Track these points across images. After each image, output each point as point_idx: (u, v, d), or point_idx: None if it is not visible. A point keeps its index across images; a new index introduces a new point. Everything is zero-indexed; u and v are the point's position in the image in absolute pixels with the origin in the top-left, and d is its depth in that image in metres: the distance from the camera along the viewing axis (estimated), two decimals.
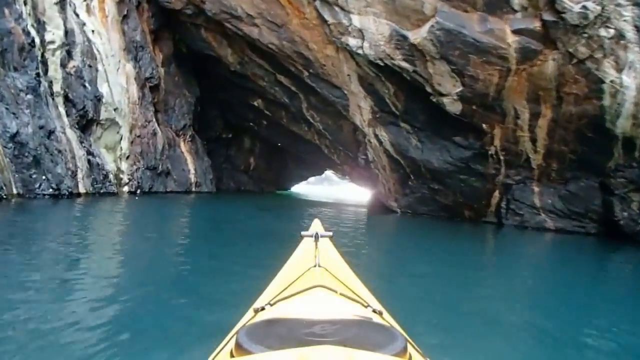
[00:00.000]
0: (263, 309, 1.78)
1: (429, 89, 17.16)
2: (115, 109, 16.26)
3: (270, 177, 36.37)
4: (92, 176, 14.61)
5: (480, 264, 9.03)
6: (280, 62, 20.41)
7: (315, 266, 2.21)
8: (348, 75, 19.37)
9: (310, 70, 19.83)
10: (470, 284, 6.45)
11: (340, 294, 1.81)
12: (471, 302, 5.25)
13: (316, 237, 2.59)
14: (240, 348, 1.24)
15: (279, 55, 19.89)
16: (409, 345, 1.34)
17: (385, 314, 1.82)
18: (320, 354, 1.05)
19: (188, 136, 23.18)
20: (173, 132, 22.13)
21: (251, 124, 28.77)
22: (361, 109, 20.41)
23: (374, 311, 1.74)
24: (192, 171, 22.69)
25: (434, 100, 17.33)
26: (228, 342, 1.55)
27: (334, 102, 20.89)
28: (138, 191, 17.69)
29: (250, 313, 1.85)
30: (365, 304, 1.78)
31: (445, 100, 17.16)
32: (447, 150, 19.45)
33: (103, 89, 15.68)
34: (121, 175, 16.79)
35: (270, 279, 2.42)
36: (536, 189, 18.84)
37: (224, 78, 24.53)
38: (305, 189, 54.93)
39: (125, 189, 16.99)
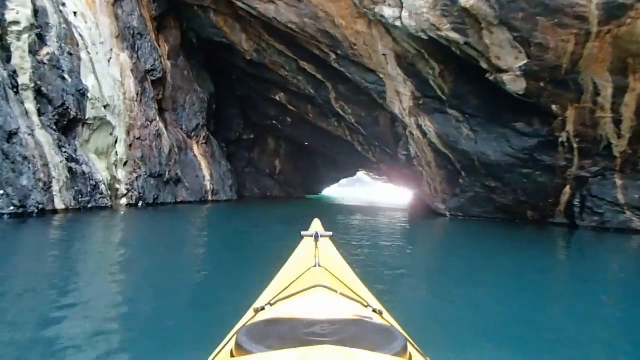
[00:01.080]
0: (263, 309, 1.76)
1: (484, 65, 13.97)
2: (105, 106, 13.51)
3: (299, 180, 33.36)
4: (76, 188, 11.86)
5: (552, 278, 7.32)
6: (303, 46, 17.42)
7: (315, 266, 2.18)
8: (384, 55, 16.23)
9: (338, 52, 16.76)
10: (544, 308, 5.17)
11: (340, 294, 1.78)
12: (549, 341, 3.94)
13: (316, 237, 2.60)
14: (240, 348, 1.24)
15: (300, 37, 16.90)
16: (409, 344, 1.34)
17: (385, 314, 1.80)
18: (321, 354, 1.05)
19: (202, 138, 20.41)
20: (184, 133, 19.39)
21: (274, 122, 25.84)
22: (400, 95, 17.25)
23: (374, 311, 1.73)
24: (208, 177, 19.89)
25: (491, 78, 14.11)
26: (228, 342, 1.54)
27: (367, 90, 17.76)
28: (140, 203, 14.93)
29: (250, 313, 1.84)
30: (366, 304, 1.76)
31: (505, 77, 13.91)
32: (507, 140, 16.20)
33: (88, 81, 12.95)
34: (117, 185, 14.04)
35: (270, 279, 2.38)
36: (619, 182, 15.57)
37: (241, 70, 21.69)
38: (337, 191, 51.81)
39: (123, 201, 14.24)
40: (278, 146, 30.59)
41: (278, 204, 23.90)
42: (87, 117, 12.88)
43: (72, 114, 12.31)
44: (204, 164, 19.86)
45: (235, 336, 1.34)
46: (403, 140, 19.12)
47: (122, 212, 13.31)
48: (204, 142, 20.53)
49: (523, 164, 16.32)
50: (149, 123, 15.85)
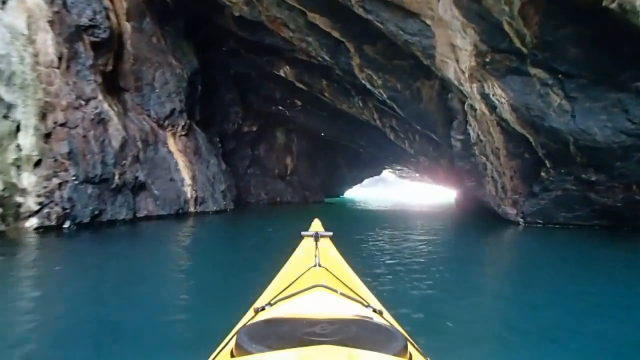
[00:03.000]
0: (263, 308, 1.76)
1: None
2: None
3: (316, 181, 27.79)
4: None
5: None
6: None
7: (315, 266, 2.19)
8: None
9: None
10: None
11: (341, 294, 1.77)
12: None
13: (316, 236, 2.68)
14: (240, 348, 1.24)
15: None
16: (409, 344, 1.33)
17: (386, 314, 1.80)
18: (321, 354, 1.06)
19: (180, 128, 15.08)
20: (153, 121, 14.12)
21: (280, 107, 20.44)
22: (457, 50, 11.72)
23: (374, 311, 1.72)
24: (188, 181, 14.55)
25: (612, 6, 8.44)
26: (228, 342, 1.53)
27: (407, 47, 12.23)
28: (67, 224, 9.67)
29: (250, 313, 1.83)
30: (366, 304, 1.75)
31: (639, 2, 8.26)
32: (624, 110, 10.65)
33: None
34: (18, 199, 8.77)
35: (270, 279, 2.37)
36: None
37: (232, 38, 16.37)
38: (360, 193, 46.10)
39: (32, 222, 8.99)
40: (289, 140, 25.15)
41: (290, 214, 18.48)
42: None
43: None
44: (182, 163, 14.54)
45: (235, 336, 1.33)
46: (458, 119, 13.55)
47: (34, 242, 8.03)
48: (183, 133, 15.21)
49: None
50: (84, 103, 10.56)
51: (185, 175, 14.51)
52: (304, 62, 15.65)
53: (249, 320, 1.66)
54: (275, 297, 1.81)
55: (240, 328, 1.40)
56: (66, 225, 9.67)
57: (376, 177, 41.83)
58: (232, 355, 1.25)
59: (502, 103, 11.78)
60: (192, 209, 14.55)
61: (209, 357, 1.45)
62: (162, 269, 6.57)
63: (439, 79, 13.04)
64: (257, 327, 1.35)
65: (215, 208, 15.71)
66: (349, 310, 1.61)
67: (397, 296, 4.82)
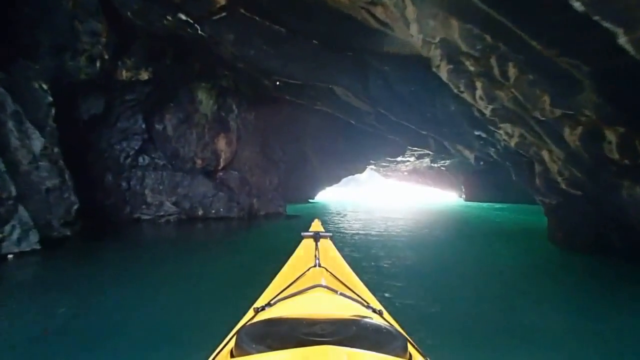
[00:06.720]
0: (263, 308, 1.75)
1: None
2: None
3: (271, 181, 16.94)
4: None
5: None
6: None
7: (315, 266, 2.16)
8: None
9: None
10: None
11: (340, 294, 1.75)
12: None
13: (316, 237, 2.60)
14: (240, 348, 1.23)
15: None
16: (409, 344, 1.32)
17: (385, 314, 1.77)
18: (321, 354, 1.05)
19: None
20: None
21: (182, 15, 9.58)
22: None
23: (374, 311, 1.70)
24: None
25: None
26: (228, 342, 1.53)
27: None
28: None
29: (250, 313, 1.80)
30: (366, 304, 1.73)
31: None
32: None
33: None
34: None
35: (271, 279, 2.31)
36: None
37: None
38: (333, 195, 35.72)
39: None
40: (221, 106, 14.33)
41: (203, 258, 8.33)
42: None
43: None
44: None
45: (235, 336, 1.32)
46: None
47: None
48: None
49: None
50: None
51: None
52: None
53: (249, 320, 1.63)
54: (275, 297, 1.78)
55: (240, 328, 1.39)
56: None
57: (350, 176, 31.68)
58: (232, 355, 1.24)
59: None
60: None
61: (208, 357, 1.42)
62: None
63: None
64: (257, 327, 1.33)
65: None
66: (348, 310, 1.58)
67: None
